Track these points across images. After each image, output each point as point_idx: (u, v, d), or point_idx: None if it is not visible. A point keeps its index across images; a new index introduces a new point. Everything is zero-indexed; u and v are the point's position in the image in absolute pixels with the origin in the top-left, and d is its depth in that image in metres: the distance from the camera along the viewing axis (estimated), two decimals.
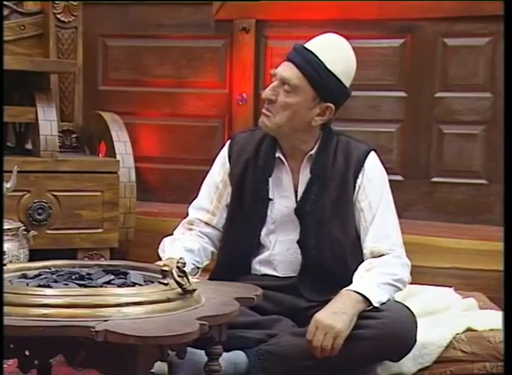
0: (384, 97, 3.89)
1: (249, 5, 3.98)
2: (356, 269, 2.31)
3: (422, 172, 3.85)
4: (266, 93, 2.35)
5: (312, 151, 2.38)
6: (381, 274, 2.25)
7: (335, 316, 2.14)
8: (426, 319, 2.52)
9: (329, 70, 2.30)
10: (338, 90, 2.33)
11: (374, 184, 2.37)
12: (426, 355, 2.39)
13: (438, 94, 3.82)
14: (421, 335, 2.29)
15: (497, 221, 3.56)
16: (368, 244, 2.34)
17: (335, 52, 2.33)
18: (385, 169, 2.44)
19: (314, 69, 2.29)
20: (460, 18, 3.73)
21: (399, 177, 3.86)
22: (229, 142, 2.52)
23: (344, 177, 2.36)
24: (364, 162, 2.37)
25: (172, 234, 2.49)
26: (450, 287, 2.98)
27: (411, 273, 2.34)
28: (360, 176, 2.36)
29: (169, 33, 4.17)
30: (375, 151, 2.42)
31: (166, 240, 2.45)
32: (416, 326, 2.24)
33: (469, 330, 2.48)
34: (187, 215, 2.52)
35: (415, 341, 2.24)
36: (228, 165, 2.47)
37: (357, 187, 2.36)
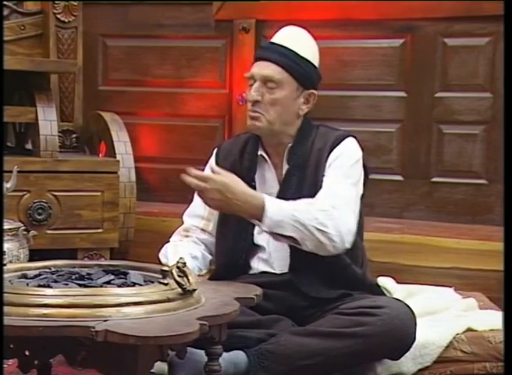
0: (384, 97, 3.89)
1: (249, 5, 3.98)
2: (345, 253, 2.28)
3: (422, 172, 3.84)
4: (251, 95, 2.35)
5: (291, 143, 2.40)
6: (304, 212, 2.19)
7: (238, 196, 2.18)
8: (426, 319, 2.52)
9: (303, 58, 2.35)
10: (315, 75, 2.39)
11: (339, 161, 2.34)
12: (426, 355, 2.39)
13: (438, 94, 3.82)
14: (421, 335, 2.29)
15: (497, 221, 3.56)
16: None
17: (300, 40, 2.39)
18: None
19: (291, 60, 2.34)
20: (460, 18, 3.73)
21: (399, 177, 3.85)
22: (215, 151, 2.54)
23: (319, 161, 2.35)
24: (338, 144, 2.36)
25: (169, 241, 2.49)
26: (450, 287, 2.98)
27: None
28: (331, 155, 2.34)
29: (169, 33, 4.17)
30: (355, 137, 2.41)
31: (168, 245, 2.45)
32: (415, 324, 2.24)
33: (469, 330, 2.48)
34: (182, 223, 2.53)
35: (414, 338, 2.24)
36: None
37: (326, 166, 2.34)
